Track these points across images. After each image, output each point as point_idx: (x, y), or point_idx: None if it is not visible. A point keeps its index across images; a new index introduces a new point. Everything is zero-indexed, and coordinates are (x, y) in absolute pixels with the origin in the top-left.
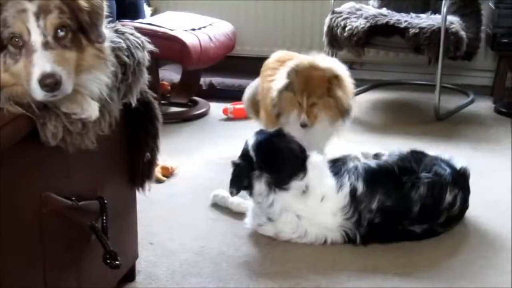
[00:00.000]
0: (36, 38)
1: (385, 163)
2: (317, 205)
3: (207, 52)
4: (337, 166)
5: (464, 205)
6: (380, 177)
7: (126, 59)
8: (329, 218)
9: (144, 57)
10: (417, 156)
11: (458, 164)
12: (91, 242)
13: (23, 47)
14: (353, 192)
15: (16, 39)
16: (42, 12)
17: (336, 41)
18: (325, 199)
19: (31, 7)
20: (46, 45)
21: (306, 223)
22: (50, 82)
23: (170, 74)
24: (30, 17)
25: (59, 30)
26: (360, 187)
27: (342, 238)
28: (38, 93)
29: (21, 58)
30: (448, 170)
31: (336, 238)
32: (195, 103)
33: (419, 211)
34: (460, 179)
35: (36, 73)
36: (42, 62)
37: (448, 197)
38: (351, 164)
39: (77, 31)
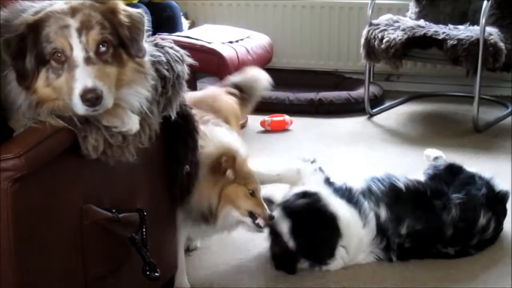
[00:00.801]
0: (78, 53)
1: (414, 184)
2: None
3: (244, 64)
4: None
5: (498, 228)
6: (408, 200)
7: (166, 72)
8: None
9: (184, 70)
10: (452, 172)
11: (499, 185)
12: (131, 253)
13: (65, 62)
14: (377, 220)
15: (59, 54)
16: (84, 28)
17: (373, 53)
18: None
19: (74, 23)
20: (88, 60)
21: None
22: (91, 97)
23: (208, 87)
24: (73, 33)
25: (100, 46)
26: (382, 213)
27: (376, 260)
28: (80, 108)
29: (63, 73)
30: (484, 190)
31: (369, 260)
32: None
33: (452, 234)
34: (496, 202)
35: (78, 88)
36: (83, 77)
37: (482, 220)
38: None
39: (117, 46)
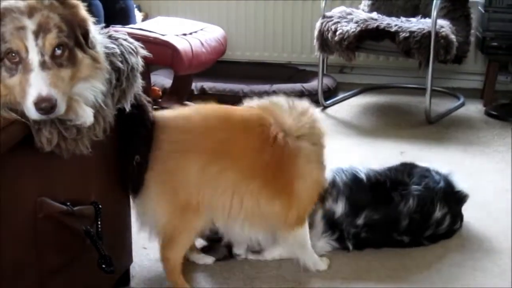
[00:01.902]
0: (33, 57)
1: (375, 174)
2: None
3: (198, 57)
4: None
5: (453, 226)
6: (368, 190)
7: (120, 64)
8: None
9: (138, 62)
10: (407, 168)
11: (458, 184)
12: (85, 247)
13: (19, 63)
14: (330, 216)
15: (13, 55)
16: (41, 31)
17: (327, 45)
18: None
19: (30, 25)
20: (43, 65)
21: None
22: (45, 106)
23: (162, 79)
24: (29, 35)
25: (56, 49)
26: (339, 208)
27: (330, 248)
28: (33, 114)
29: (17, 73)
30: (442, 184)
31: (324, 248)
32: None
33: (408, 224)
34: (454, 200)
35: (32, 95)
36: (38, 84)
37: (437, 213)
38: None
39: (73, 48)
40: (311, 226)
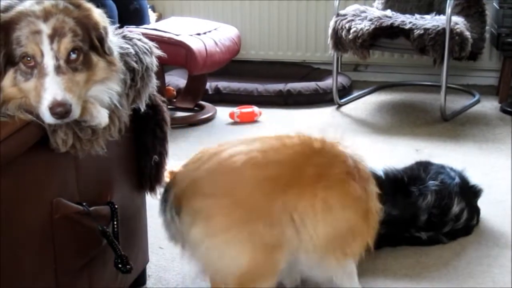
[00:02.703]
0: (48, 61)
1: (392, 170)
2: None
3: (212, 56)
4: None
5: (470, 221)
6: (387, 186)
7: (134, 64)
8: None
9: (152, 62)
10: (423, 165)
11: (472, 179)
12: (102, 247)
13: (34, 68)
14: None
15: (28, 59)
16: (56, 35)
17: (341, 44)
18: None
19: (46, 29)
20: (58, 69)
21: None
22: (60, 111)
23: (176, 79)
24: (44, 39)
25: (71, 53)
26: None
27: None
28: (47, 118)
29: (32, 78)
30: (457, 180)
31: None
32: (201, 107)
33: (426, 220)
34: (470, 194)
35: (47, 100)
36: (53, 89)
37: (455, 208)
38: None
39: (88, 52)
40: None
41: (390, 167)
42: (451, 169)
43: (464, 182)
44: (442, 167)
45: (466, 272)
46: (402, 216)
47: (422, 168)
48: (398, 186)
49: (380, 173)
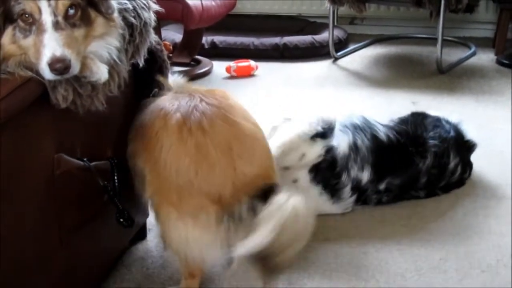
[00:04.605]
0: (46, 17)
1: (393, 133)
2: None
3: (208, 11)
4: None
5: (463, 175)
6: (390, 154)
7: (133, 20)
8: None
9: (151, 17)
10: (419, 119)
11: (467, 133)
12: (104, 202)
13: (33, 24)
14: (355, 188)
15: (27, 16)
16: None
17: None
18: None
19: None
20: (56, 26)
21: None
22: (59, 67)
23: (172, 34)
24: None
25: (69, 9)
26: (365, 176)
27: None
28: (47, 74)
29: (31, 35)
30: (452, 133)
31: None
32: (198, 62)
33: (425, 181)
34: (464, 149)
35: (46, 56)
36: (52, 45)
37: (451, 164)
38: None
39: (85, 6)
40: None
41: (389, 127)
42: (447, 121)
43: (459, 136)
44: (438, 119)
45: (462, 223)
46: (404, 182)
47: (419, 125)
48: (402, 154)
49: (382, 135)
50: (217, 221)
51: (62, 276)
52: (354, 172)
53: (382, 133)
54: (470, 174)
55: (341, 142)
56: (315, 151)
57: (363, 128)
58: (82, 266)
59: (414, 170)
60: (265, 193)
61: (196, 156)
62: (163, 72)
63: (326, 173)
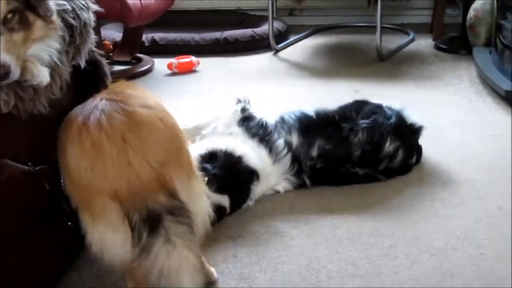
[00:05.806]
0: None
1: (324, 111)
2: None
3: (147, 8)
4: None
5: (408, 160)
6: (318, 124)
7: (72, 21)
8: (276, 180)
9: (90, 18)
10: (359, 105)
11: (411, 117)
12: (53, 206)
13: None
14: (289, 147)
15: None
16: None
17: None
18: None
19: None
20: None
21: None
22: None
23: (112, 33)
24: None
25: (7, 13)
26: (294, 139)
27: (291, 186)
28: None
29: None
30: (393, 119)
31: (286, 187)
32: (139, 60)
33: (360, 156)
34: (407, 133)
35: None
36: None
37: (389, 147)
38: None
39: (23, 10)
40: None
41: (322, 108)
42: (389, 108)
43: (400, 121)
44: (379, 106)
45: (409, 207)
46: (336, 150)
47: (354, 109)
48: (329, 123)
49: (311, 113)
50: (123, 219)
51: (10, 282)
52: (282, 135)
53: (312, 111)
54: (419, 160)
55: (268, 117)
56: (230, 110)
57: (292, 112)
58: (30, 271)
59: (345, 141)
60: (150, 217)
61: (91, 154)
62: (103, 80)
63: (256, 129)
